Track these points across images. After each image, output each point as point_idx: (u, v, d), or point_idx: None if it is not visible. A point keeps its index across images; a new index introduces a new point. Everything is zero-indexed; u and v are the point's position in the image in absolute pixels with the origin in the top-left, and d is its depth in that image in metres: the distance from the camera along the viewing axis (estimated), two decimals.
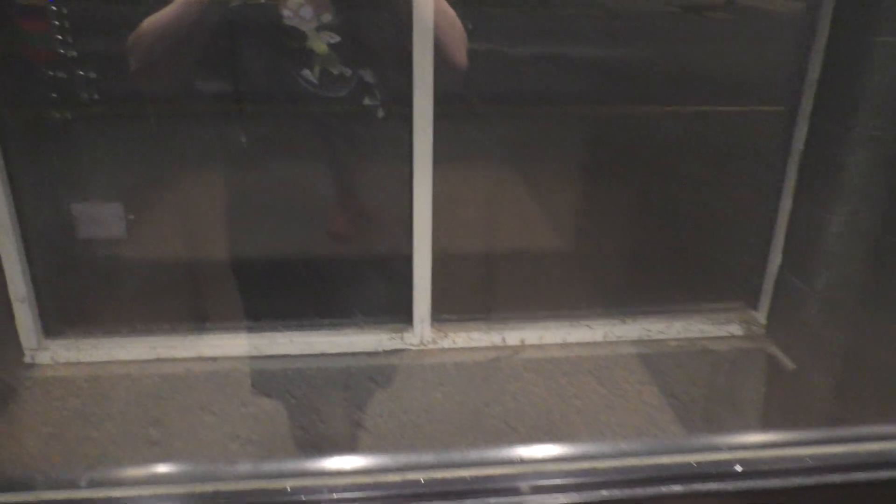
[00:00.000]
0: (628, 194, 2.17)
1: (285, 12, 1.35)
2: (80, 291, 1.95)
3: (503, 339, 2.03)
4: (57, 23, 1.70)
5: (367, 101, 1.63)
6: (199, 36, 1.18)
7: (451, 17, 1.31)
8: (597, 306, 2.12)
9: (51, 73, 1.74)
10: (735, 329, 2.11)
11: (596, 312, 2.11)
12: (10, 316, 1.85)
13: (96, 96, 1.77)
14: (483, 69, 1.92)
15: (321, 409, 1.94)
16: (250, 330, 1.99)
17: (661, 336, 2.08)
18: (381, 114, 1.70)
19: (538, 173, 2.16)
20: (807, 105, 1.95)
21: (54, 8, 1.69)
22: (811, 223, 1.94)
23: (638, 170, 2.14)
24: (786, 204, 2.03)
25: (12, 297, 1.83)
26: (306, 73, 1.43)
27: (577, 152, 2.15)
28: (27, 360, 1.89)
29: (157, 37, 1.15)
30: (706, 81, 2.06)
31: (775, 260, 2.08)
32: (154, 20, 1.15)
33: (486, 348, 2.03)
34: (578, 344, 2.06)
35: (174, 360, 1.95)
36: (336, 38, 1.40)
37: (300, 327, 2.00)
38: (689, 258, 2.20)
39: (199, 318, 2.01)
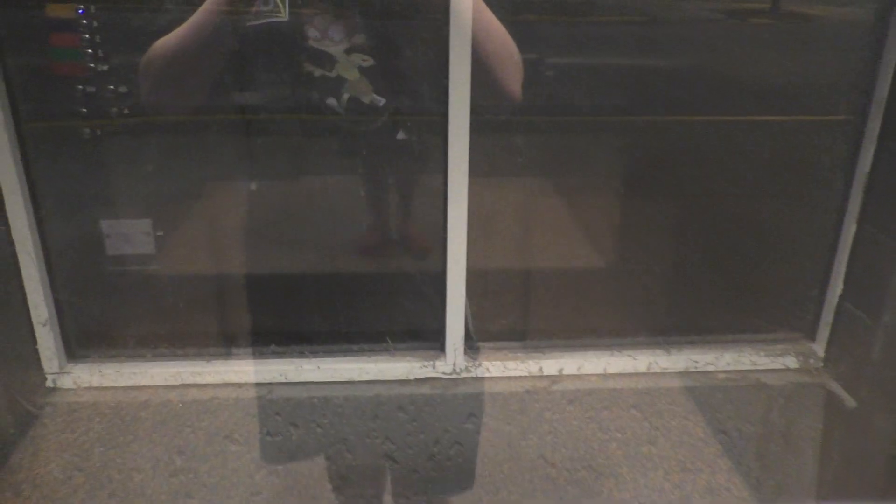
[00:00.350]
0: (675, 212, 2.04)
1: (312, 32, 1.25)
2: (104, 313, 1.89)
3: (540, 369, 1.92)
4: (87, 36, 1.64)
5: (401, 136, 1.53)
6: (213, 60, 1.10)
7: (503, 38, 1.14)
8: (640, 334, 2.00)
9: (80, 87, 1.69)
10: (790, 362, 1.97)
11: (639, 341, 1.99)
12: (33, 339, 1.81)
13: (126, 111, 1.71)
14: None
15: (349, 439, 1.86)
16: (277, 355, 1.92)
17: (709, 368, 1.95)
18: (416, 148, 1.60)
19: (578, 189, 2.04)
20: (874, 124, 1.80)
21: (84, 21, 1.64)
22: (877, 251, 1.79)
23: (684, 185, 2.01)
24: (849, 228, 1.88)
25: (34, 320, 1.78)
26: (332, 101, 1.33)
27: (618, 166, 2.02)
28: (49, 384, 1.84)
29: (168, 62, 1.06)
30: (753, 90, 1.92)
31: (836, 288, 1.93)
32: (164, 43, 1.06)
33: (522, 378, 1.93)
34: (620, 375, 1.94)
35: (199, 385, 1.88)
36: (369, 61, 1.30)
37: (328, 353, 1.92)
38: (740, 283, 2.06)
39: (225, 343, 1.94)
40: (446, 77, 1.60)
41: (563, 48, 1.84)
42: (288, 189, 1.88)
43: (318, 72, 1.30)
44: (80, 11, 1.63)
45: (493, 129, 1.82)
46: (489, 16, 1.14)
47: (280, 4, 1.16)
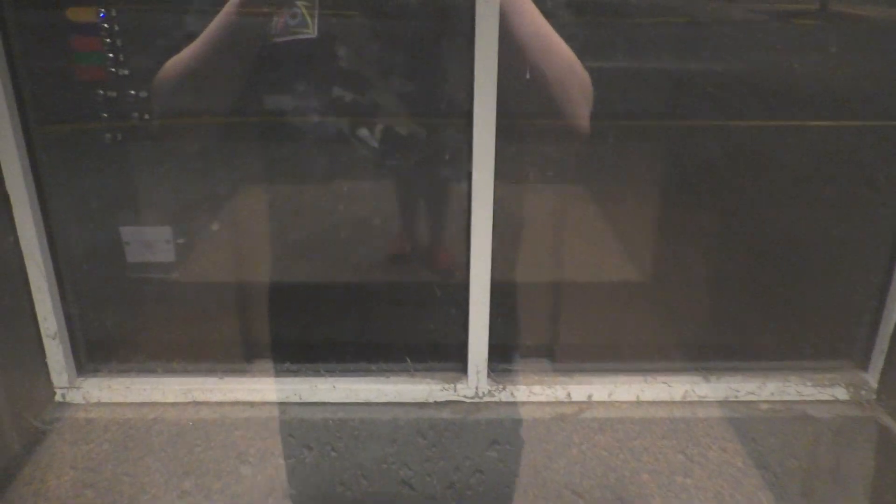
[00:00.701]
0: (714, 224, 1.91)
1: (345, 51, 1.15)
2: (114, 326, 1.83)
3: (568, 394, 1.81)
4: (108, 40, 1.58)
5: (444, 174, 1.42)
6: (232, 75, 1.00)
7: (567, 62, 0.96)
8: (676, 359, 1.88)
9: (101, 91, 1.63)
10: (840, 393, 1.82)
11: (675, 366, 1.86)
12: (41, 352, 1.75)
13: (147, 115, 1.65)
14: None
15: (364, 464, 1.77)
16: (291, 373, 1.83)
17: (750, 398, 1.82)
18: (441, 158, 1.50)
19: (612, 199, 1.92)
20: None
21: (106, 25, 1.57)
22: None
23: (725, 195, 1.87)
24: None
25: (43, 333, 1.72)
26: (364, 132, 1.20)
27: (656, 174, 1.90)
28: (58, 398, 1.79)
29: (183, 80, 0.97)
30: (799, 94, 1.78)
31: (892, 312, 1.78)
32: (178, 60, 0.97)
33: (549, 403, 1.81)
34: (653, 403, 1.81)
35: (210, 403, 1.81)
36: (408, 86, 1.17)
37: (344, 372, 1.83)
38: (785, 303, 1.92)
39: (238, 359, 1.87)
40: (471, 81, 1.51)
41: (600, 51, 1.73)
42: (303, 203, 1.80)
43: (348, 96, 1.18)
44: (102, 15, 1.58)
45: (521, 134, 1.71)
46: (548, 31, 0.94)
47: (308, 19, 1.05)
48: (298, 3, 1.03)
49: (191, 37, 1.02)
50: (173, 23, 1.52)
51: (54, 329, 1.72)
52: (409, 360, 1.84)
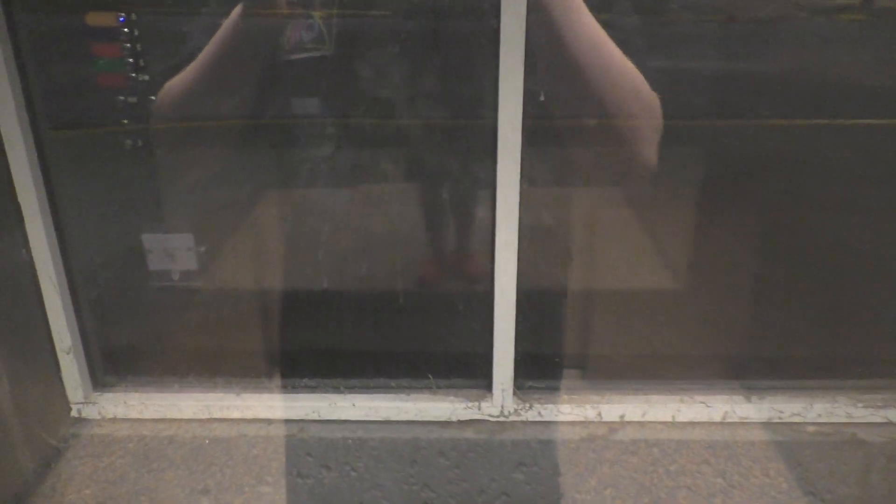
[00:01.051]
0: (756, 231, 1.79)
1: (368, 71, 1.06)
2: (130, 340, 1.79)
3: (598, 414, 1.72)
4: (128, 45, 1.53)
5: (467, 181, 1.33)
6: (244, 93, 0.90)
7: (631, 85, 0.77)
8: (715, 377, 1.77)
9: (121, 98, 1.58)
10: (893, 415, 1.69)
11: (713, 385, 1.75)
12: (57, 367, 1.72)
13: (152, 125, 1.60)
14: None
15: (385, 485, 1.70)
16: (309, 390, 1.77)
17: (796, 419, 1.70)
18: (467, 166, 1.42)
19: (647, 204, 1.82)
20: None
21: (125, 30, 1.52)
22: None
23: (767, 199, 1.75)
24: None
25: (57, 347, 1.69)
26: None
27: (694, 177, 1.79)
28: (74, 413, 1.76)
29: (185, 103, 0.88)
30: (841, 92, 1.66)
31: None
32: (179, 82, 0.88)
33: (578, 423, 1.72)
34: (691, 424, 1.71)
35: (228, 420, 1.76)
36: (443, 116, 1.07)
37: (364, 389, 1.77)
38: (832, 318, 1.80)
39: (256, 374, 1.81)
40: (496, 88, 1.43)
41: (638, 49, 1.62)
42: (325, 213, 1.74)
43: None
44: (122, 19, 1.53)
45: (547, 136, 1.62)
46: (607, 43, 0.77)
47: (325, 33, 0.93)
48: (315, 13, 0.93)
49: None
50: (193, 27, 1.47)
51: (69, 343, 1.69)
52: (431, 376, 1.77)
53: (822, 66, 1.69)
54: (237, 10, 0.82)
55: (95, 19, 1.56)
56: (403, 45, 1.44)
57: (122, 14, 1.54)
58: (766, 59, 1.67)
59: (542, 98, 1.45)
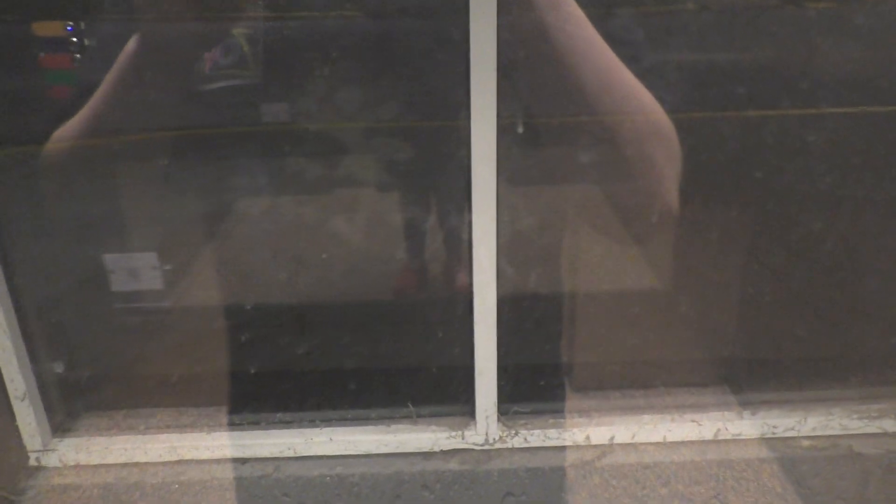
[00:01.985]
0: (747, 235, 1.73)
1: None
2: (90, 382, 1.69)
3: (587, 437, 1.65)
4: (79, 56, 1.42)
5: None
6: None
7: (648, 109, 0.64)
8: (705, 393, 1.71)
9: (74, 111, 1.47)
10: (889, 425, 1.65)
11: (704, 402, 1.69)
12: (11, 415, 1.61)
13: (123, 136, 1.49)
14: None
15: None
16: (284, 425, 1.68)
17: (790, 434, 1.65)
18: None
19: (624, 209, 1.75)
20: None
21: (75, 39, 1.42)
22: None
23: (750, 198, 1.69)
24: None
25: (11, 395, 1.58)
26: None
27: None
28: (32, 462, 1.65)
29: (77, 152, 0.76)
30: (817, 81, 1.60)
31: None
32: (70, 129, 0.76)
33: (567, 448, 1.66)
34: (682, 443, 1.65)
35: (198, 461, 1.66)
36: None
37: (341, 421, 1.68)
38: (823, 326, 1.75)
39: (226, 410, 1.72)
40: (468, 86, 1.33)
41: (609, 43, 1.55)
42: (295, 232, 1.65)
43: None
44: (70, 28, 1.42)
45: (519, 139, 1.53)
46: (617, 66, 0.64)
47: (248, 55, 0.77)
48: (235, 31, 0.76)
49: None
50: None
51: (23, 390, 1.58)
52: (411, 404, 1.69)
53: (791, 54, 1.62)
54: (132, 44, 0.67)
55: (44, 29, 1.46)
56: (352, 67, 1.35)
57: (71, 23, 1.44)
58: (734, 48, 1.60)
59: (520, 130, 1.37)
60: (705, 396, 1.71)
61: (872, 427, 1.65)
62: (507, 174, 1.47)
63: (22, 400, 1.59)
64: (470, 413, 1.66)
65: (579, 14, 0.63)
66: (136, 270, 1.63)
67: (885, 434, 1.65)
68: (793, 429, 1.64)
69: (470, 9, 1.30)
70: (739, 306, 1.78)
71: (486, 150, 1.40)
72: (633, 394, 1.74)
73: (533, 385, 1.72)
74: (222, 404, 1.72)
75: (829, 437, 1.65)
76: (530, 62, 0.65)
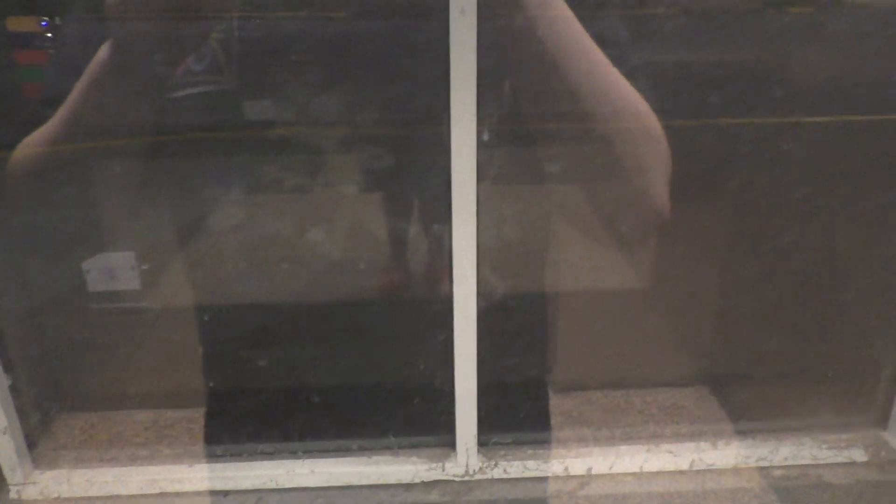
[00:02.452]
0: (698, 258, 1.76)
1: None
2: (71, 413, 1.70)
3: (565, 469, 1.68)
4: (53, 52, 1.41)
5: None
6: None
7: (638, 114, 0.64)
8: (680, 423, 1.75)
9: (48, 110, 1.47)
10: (858, 455, 1.69)
11: (679, 432, 1.73)
12: None
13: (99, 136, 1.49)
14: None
15: None
16: (266, 456, 1.70)
17: (762, 464, 1.69)
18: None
19: (613, 213, 1.77)
20: None
21: (49, 35, 1.41)
22: None
23: (715, 215, 1.71)
24: None
25: None
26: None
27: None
28: (13, 495, 1.65)
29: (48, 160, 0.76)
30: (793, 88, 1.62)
31: None
32: (39, 139, 0.76)
33: (546, 479, 1.69)
34: (658, 474, 1.68)
35: (179, 494, 1.67)
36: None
37: (323, 453, 1.70)
38: (795, 356, 1.79)
39: (207, 442, 1.73)
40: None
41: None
42: (272, 253, 1.66)
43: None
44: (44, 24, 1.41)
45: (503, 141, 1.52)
46: (609, 71, 0.62)
47: (222, 60, 0.74)
48: (210, 36, 0.72)
49: None
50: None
51: (4, 424, 1.58)
52: (392, 435, 1.71)
53: (771, 60, 1.62)
54: (104, 50, 0.65)
55: (17, 24, 1.45)
56: (334, 76, 1.34)
57: (45, 19, 1.42)
58: (716, 53, 1.61)
59: (485, 138, 1.37)
60: (681, 426, 1.75)
61: (841, 457, 1.69)
62: (489, 180, 1.47)
63: (3, 434, 1.59)
64: (450, 443, 1.68)
65: (568, 13, 0.61)
66: (117, 274, 1.62)
67: (853, 464, 1.69)
68: (765, 458, 1.68)
69: (450, 10, 1.26)
70: (715, 335, 1.82)
71: (466, 157, 1.35)
72: (610, 424, 1.77)
73: (513, 416, 1.74)
74: (204, 436, 1.73)
75: (800, 466, 1.69)
76: (515, 63, 0.64)
